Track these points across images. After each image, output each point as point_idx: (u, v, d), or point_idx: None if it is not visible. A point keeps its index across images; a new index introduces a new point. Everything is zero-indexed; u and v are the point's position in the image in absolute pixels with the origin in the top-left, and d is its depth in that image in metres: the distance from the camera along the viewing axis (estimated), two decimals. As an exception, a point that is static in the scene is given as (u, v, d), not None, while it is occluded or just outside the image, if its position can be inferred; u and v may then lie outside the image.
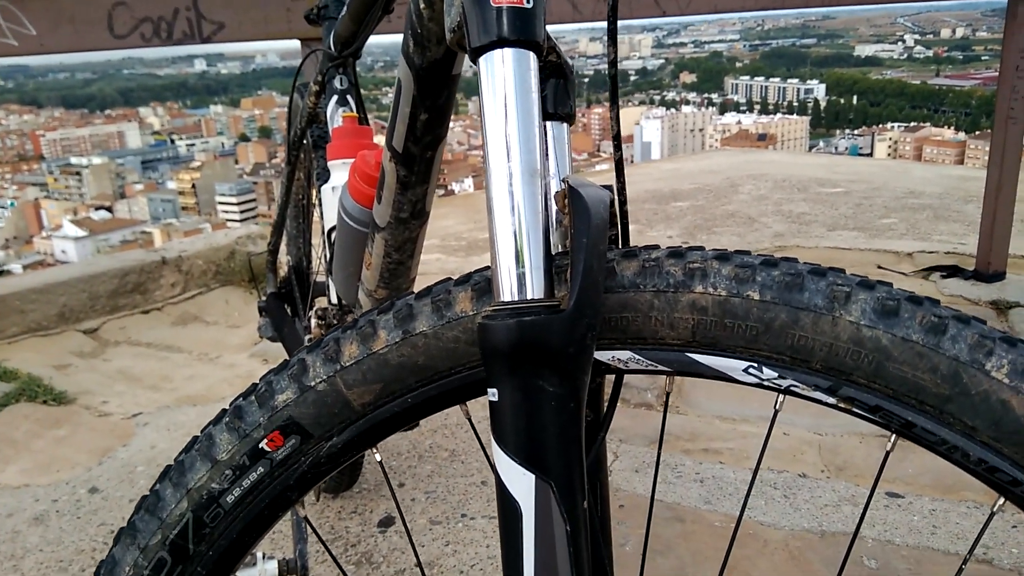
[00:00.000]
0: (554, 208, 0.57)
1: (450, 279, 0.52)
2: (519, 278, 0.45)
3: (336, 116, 1.15)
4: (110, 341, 2.64)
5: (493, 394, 0.44)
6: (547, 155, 0.59)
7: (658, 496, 1.61)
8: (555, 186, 0.57)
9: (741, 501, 1.58)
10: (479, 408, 0.58)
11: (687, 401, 2.04)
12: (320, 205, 1.16)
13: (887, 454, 0.48)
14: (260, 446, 0.51)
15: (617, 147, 0.56)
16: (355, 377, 0.51)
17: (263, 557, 1.03)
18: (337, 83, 1.17)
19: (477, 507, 1.60)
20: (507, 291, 0.45)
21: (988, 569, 1.37)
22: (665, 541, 1.48)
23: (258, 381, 0.53)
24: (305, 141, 1.33)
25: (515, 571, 0.44)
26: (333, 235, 1.04)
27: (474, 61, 0.47)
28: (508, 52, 0.46)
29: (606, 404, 0.58)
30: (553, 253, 0.49)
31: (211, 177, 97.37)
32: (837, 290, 0.46)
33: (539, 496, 0.44)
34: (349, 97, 1.16)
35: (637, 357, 0.49)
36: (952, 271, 2.77)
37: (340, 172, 1.08)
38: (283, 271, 1.72)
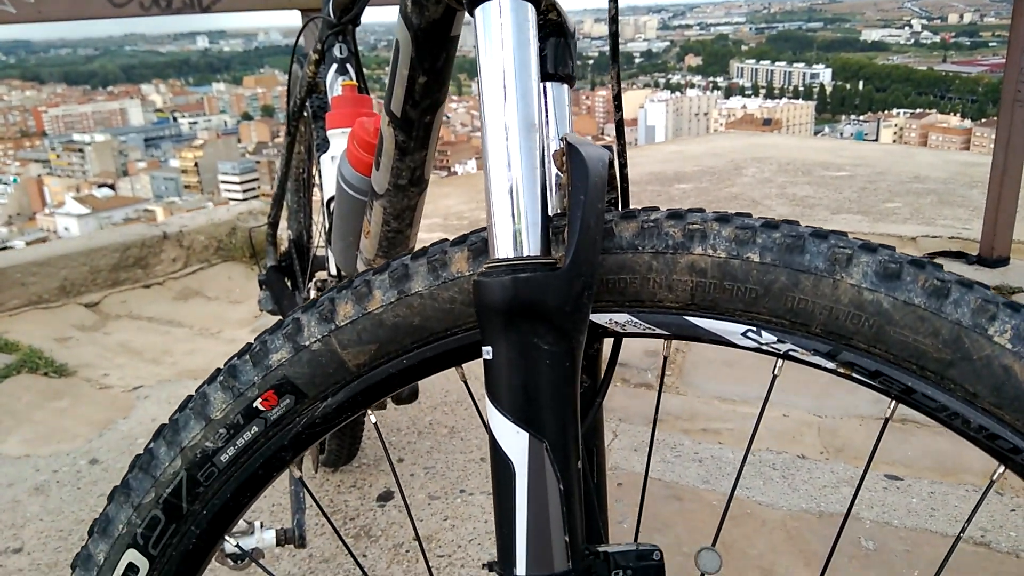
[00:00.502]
0: (554, 171, 0.56)
1: (446, 239, 0.51)
2: (515, 235, 0.44)
3: (336, 85, 1.13)
4: (111, 315, 2.64)
5: (488, 352, 0.44)
6: (547, 116, 0.58)
7: (657, 475, 1.62)
8: (555, 149, 0.56)
9: (740, 481, 1.58)
10: (477, 371, 0.57)
11: (686, 382, 2.03)
12: (320, 176, 1.15)
13: (886, 420, 0.48)
14: (254, 405, 0.51)
15: (618, 107, 0.55)
16: (350, 337, 0.50)
17: (260, 526, 1.03)
18: (336, 51, 1.15)
19: (476, 483, 1.60)
20: (503, 248, 0.44)
21: (986, 551, 1.37)
22: (663, 519, 1.49)
23: (253, 340, 0.53)
24: (305, 112, 1.32)
25: (507, 529, 0.44)
26: (332, 205, 1.03)
27: (471, 13, 0.46)
28: (505, 2, 0.45)
29: (603, 370, 0.57)
30: (552, 215, 0.49)
31: (214, 156, 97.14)
32: (839, 252, 0.45)
33: (532, 455, 0.43)
34: (349, 66, 1.15)
35: (635, 320, 0.49)
36: (956, 256, 2.76)
37: (339, 141, 1.07)
38: (284, 245, 1.72)
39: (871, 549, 1.38)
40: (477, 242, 0.50)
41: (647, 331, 0.49)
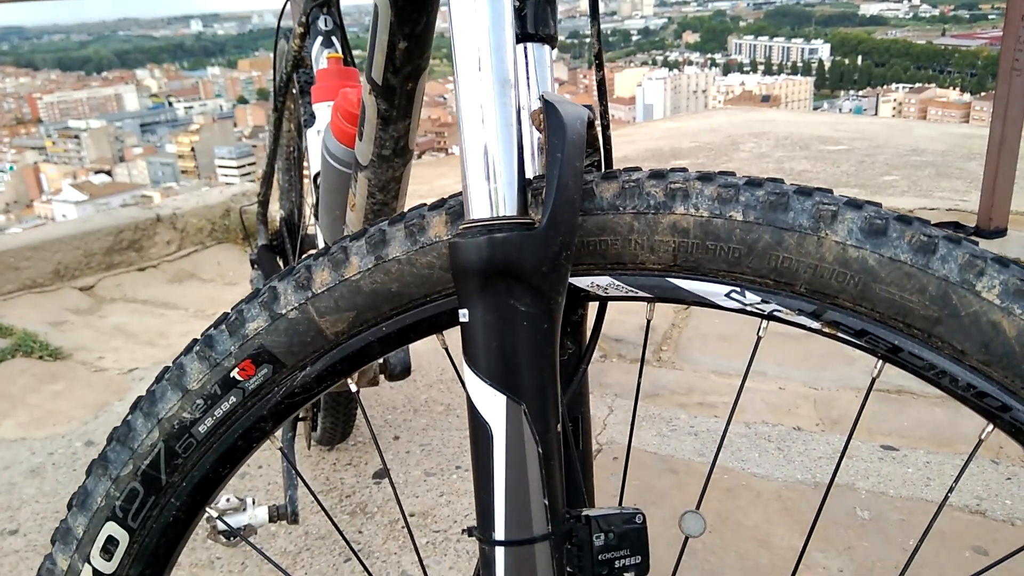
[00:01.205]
0: (536, 134, 0.55)
1: (424, 204, 0.50)
2: (490, 195, 0.43)
3: (321, 58, 1.12)
4: (106, 298, 2.63)
5: (464, 315, 0.43)
6: (528, 78, 0.57)
7: (652, 449, 1.62)
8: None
9: (735, 453, 1.58)
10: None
11: (682, 356, 2.03)
12: (307, 151, 1.13)
13: (872, 380, 0.47)
14: (231, 375, 0.50)
15: (599, 67, 0.54)
16: (327, 304, 0.49)
17: (253, 503, 1.03)
18: (322, 24, 1.13)
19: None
20: (478, 209, 0.43)
21: (981, 520, 1.37)
22: (659, 492, 1.49)
23: (229, 310, 0.52)
24: (293, 88, 1.30)
25: (486, 494, 0.43)
26: (319, 180, 1.02)
27: None
28: None
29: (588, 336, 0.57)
30: (532, 178, 0.48)
31: (210, 140, 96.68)
32: (823, 209, 0.44)
33: (510, 418, 0.42)
34: (334, 38, 1.13)
35: (617, 283, 0.48)
36: (953, 228, 2.74)
37: (325, 115, 1.06)
38: (277, 225, 1.70)
39: (866, 519, 1.38)
40: (455, 206, 0.48)
41: (629, 294, 0.48)
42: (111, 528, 0.52)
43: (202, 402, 0.51)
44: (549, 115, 0.44)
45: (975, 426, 0.45)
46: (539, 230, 0.42)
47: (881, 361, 0.46)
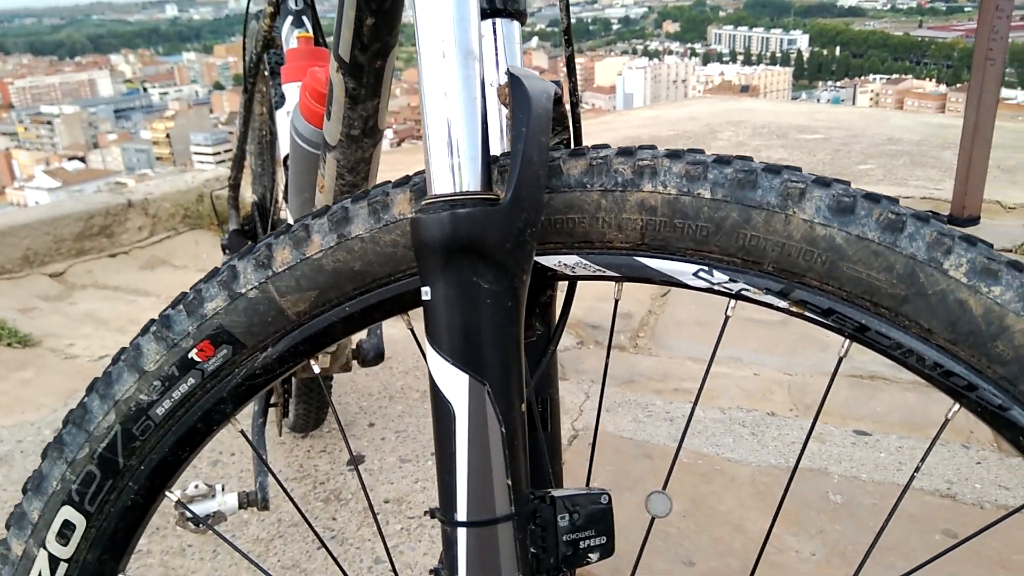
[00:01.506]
0: (504, 111, 0.54)
1: (389, 182, 0.49)
2: (453, 169, 0.42)
3: (291, 38, 1.10)
4: (76, 284, 2.59)
5: (426, 292, 0.42)
6: (496, 54, 0.56)
7: (628, 435, 1.62)
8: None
9: (709, 439, 1.59)
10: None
11: (659, 343, 2.03)
12: (277, 133, 1.11)
13: (840, 360, 0.47)
14: (189, 356, 0.49)
15: (568, 42, 0.53)
16: (288, 284, 0.48)
17: (222, 489, 1.02)
18: (292, 3, 1.11)
19: (446, 445, 1.60)
20: (440, 184, 0.42)
21: (951, 503, 1.39)
22: (635, 477, 1.49)
23: (187, 290, 0.51)
24: (265, 71, 1.28)
25: (448, 474, 0.42)
26: (288, 161, 1.00)
27: None
28: None
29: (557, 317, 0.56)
30: (499, 155, 0.47)
31: (186, 126, 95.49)
32: (791, 187, 0.44)
33: (473, 397, 0.42)
34: (305, 18, 1.11)
35: (584, 262, 0.47)
36: (927, 215, 2.76)
37: (295, 95, 1.04)
38: (249, 210, 1.68)
39: (839, 503, 1.39)
40: (419, 183, 0.47)
41: (597, 273, 0.48)
42: (67, 512, 0.51)
43: (160, 384, 0.49)
44: (514, 89, 0.43)
45: (946, 411, 0.45)
46: (503, 205, 0.41)
47: (848, 340, 0.45)
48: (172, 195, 2.88)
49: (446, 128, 0.42)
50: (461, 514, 0.42)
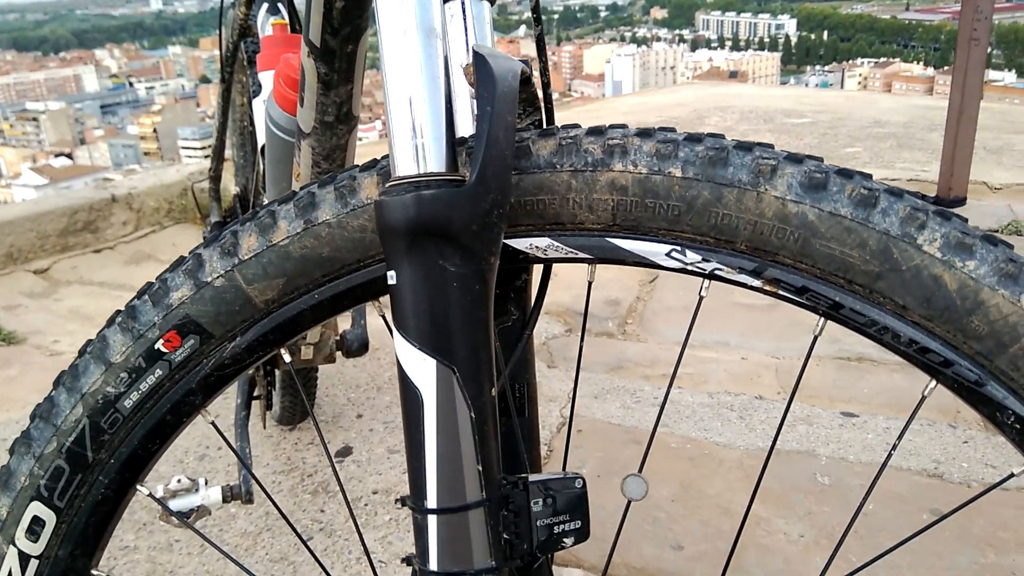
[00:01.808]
0: (470, 91, 0.53)
1: (356, 166, 0.48)
2: (416, 150, 0.41)
3: (267, 25, 1.08)
4: (61, 281, 2.57)
5: (392, 276, 0.41)
6: (465, 35, 0.55)
7: (617, 421, 1.62)
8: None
9: (698, 423, 1.59)
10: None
11: (647, 329, 2.03)
12: (255, 122, 1.10)
13: (814, 339, 0.46)
14: (156, 347, 0.48)
15: (537, 21, 0.52)
16: (255, 271, 0.47)
17: (205, 483, 1.01)
18: None
19: (435, 435, 1.59)
20: (404, 165, 0.41)
21: (939, 483, 1.39)
22: (623, 463, 1.49)
23: (153, 280, 0.50)
24: (241, 57, 1.27)
25: (418, 461, 0.42)
26: (265, 150, 0.99)
27: None
28: None
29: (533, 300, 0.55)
30: (466, 137, 0.46)
31: (173, 121, 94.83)
32: (763, 164, 0.43)
33: (441, 383, 0.41)
34: (280, 5, 1.10)
35: (556, 244, 0.46)
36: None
37: (271, 83, 1.03)
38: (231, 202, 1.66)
39: (827, 484, 1.39)
40: (386, 166, 0.47)
41: (569, 255, 0.47)
42: (36, 508, 0.50)
43: (127, 375, 0.48)
44: (479, 68, 0.42)
45: (934, 392, 0.44)
46: (468, 186, 0.40)
47: (823, 319, 0.45)
48: (156, 189, 2.85)
49: (408, 108, 0.41)
50: (431, 501, 0.42)
